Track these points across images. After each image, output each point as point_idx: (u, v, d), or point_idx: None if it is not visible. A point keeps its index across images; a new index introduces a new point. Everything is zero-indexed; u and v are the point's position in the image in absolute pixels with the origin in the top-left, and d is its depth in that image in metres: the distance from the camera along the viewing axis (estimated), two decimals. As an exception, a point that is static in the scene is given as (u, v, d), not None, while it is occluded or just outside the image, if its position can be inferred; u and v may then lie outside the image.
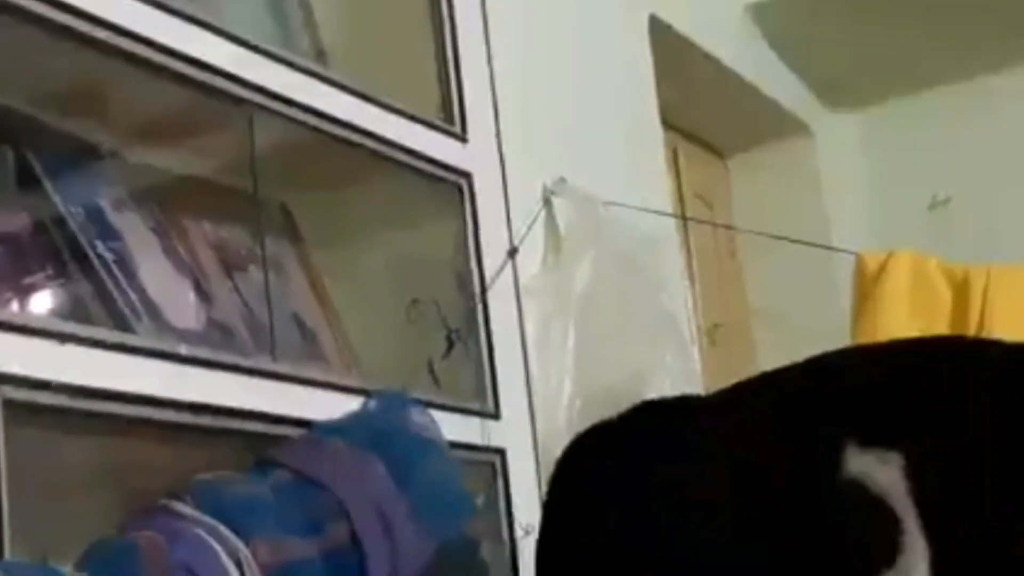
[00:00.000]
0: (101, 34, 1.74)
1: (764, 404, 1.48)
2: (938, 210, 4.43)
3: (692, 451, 1.47)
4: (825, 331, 3.52)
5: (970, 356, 1.41)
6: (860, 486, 1.30)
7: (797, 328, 3.98)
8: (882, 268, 3.28)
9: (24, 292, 1.76)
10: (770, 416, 1.44)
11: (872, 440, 1.31)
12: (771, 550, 1.35)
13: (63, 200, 1.84)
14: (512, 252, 2.40)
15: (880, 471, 1.29)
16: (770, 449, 1.40)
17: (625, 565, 1.45)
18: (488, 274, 2.33)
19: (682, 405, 1.58)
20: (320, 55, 2.37)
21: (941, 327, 3.12)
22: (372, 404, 1.95)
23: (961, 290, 3.28)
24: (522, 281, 2.42)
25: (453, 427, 2.07)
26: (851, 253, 3.40)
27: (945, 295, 3.29)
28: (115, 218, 1.93)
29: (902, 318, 3.19)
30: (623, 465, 1.51)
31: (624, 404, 1.67)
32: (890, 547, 1.28)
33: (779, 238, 3.50)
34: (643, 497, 1.46)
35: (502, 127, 2.46)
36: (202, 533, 1.63)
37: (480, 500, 2.14)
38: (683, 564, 1.41)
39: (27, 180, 1.82)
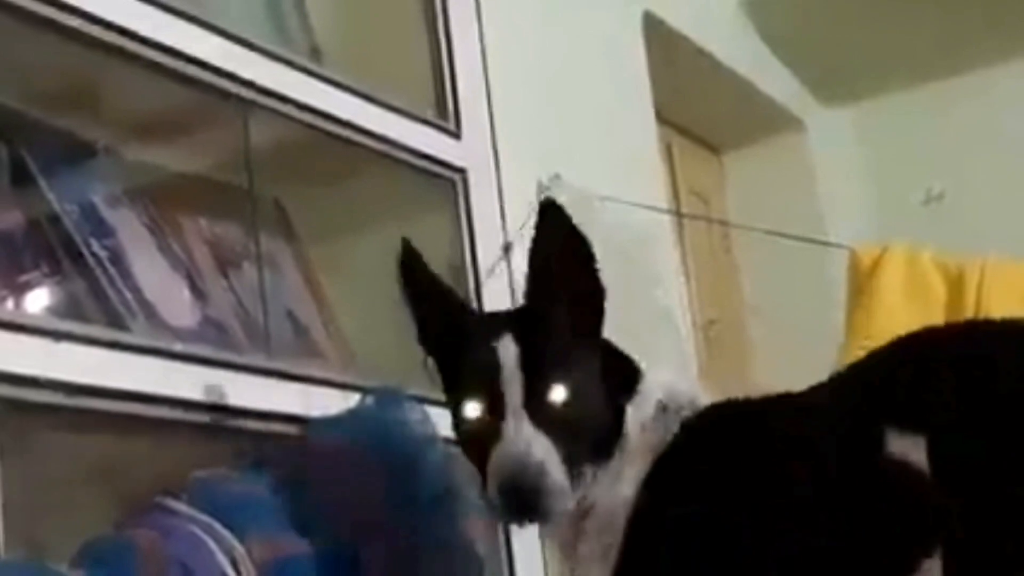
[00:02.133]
0: (96, 31, 1.74)
1: (828, 396, 1.50)
2: (932, 204, 4.43)
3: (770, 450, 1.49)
4: (820, 326, 3.53)
5: (992, 340, 1.43)
6: (903, 464, 1.33)
7: (792, 323, 3.99)
8: (876, 262, 3.28)
9: (19, 290, 1.76)
10: (831, 407, 1.47)
11: (906, 424, 1.35)
12: (836, 530, 1.38)
13: (57, 197, 1.84)
14: (507, 248, 2.40)
15: (914, 454, 1.33)
16: (827, 437, 1.42)
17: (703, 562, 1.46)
18: (483, 270, 2.33)
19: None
20: (315, 52, 2.37)
21: (936, 321, 3.12)
22: (367, 401, 1.95)
23: (955, 284, 3.28)
24: (517, 276, 2.42)
25: (447, 422, 2.07)
26: (846, 248, 3.40)
27: (939, 289, 3.29)
28: (109, 215, 1.93)
29: (897, 312, 3.19)
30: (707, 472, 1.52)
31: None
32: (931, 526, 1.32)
33: (774, 233, 3.50)
34: (721, 496, 1.48)
35: (496, 123, 2.46)
36: (197, 530, 1.63)
37: (475, 496, 2.14)
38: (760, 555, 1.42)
39: (21, 178, 1.82)
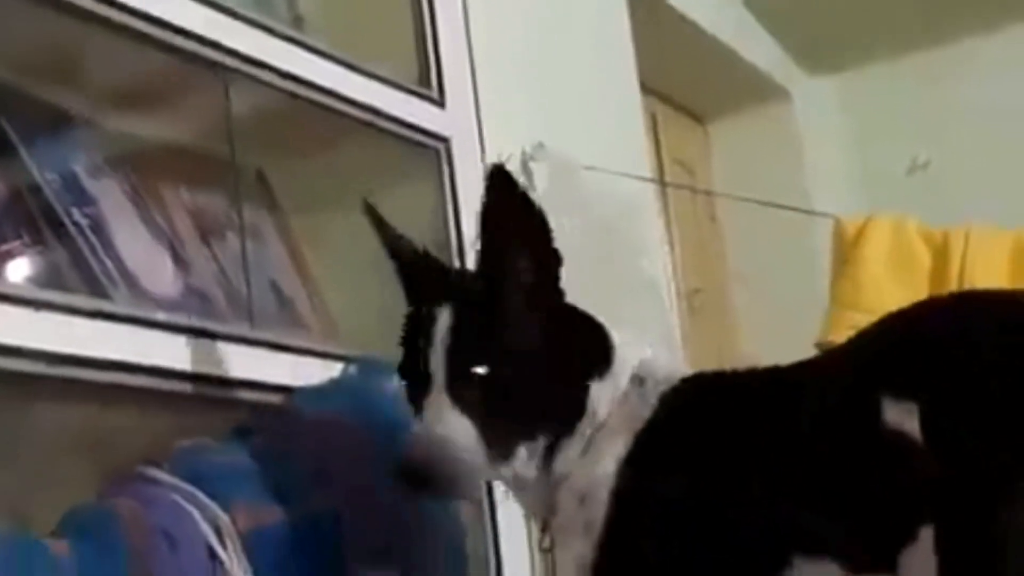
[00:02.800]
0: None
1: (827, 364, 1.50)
2: (917, 173, 4.44)
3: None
4: (804, 294, 3.53)
5: (985, 310, 1.43)
6: (900, 433, 1.33)
7: (777, 291, 4.00)
8: (861, 232, 3.28)
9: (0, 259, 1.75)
10: (823, 379, 1.47)
11: (901, 393, 1.35)
12: (844, 491, 1.38)
13: (38, 167, 1.84)
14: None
15: (908, 422, 1.33)
16: (820, 408, 1.42)
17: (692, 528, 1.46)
18: (467, 239, 2.32)
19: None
20: (297, 20, 2.36)
21: (920, 290, 3.13)
22: (350, 371, 1.95)
23: (940, 253, 3.29)
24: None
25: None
26: (830, 217, 3.40)
27: (924, 258, 3.29)
28: (91, 185, 1.92)
29: (881, 281, 3.20)
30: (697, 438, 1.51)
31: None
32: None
33: (759, 203, 3.50)
34: (713, 463, 1.47)
35: (480, 92, 2.45)
36: (180, 499, 1.63)
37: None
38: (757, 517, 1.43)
39: (2, 147, 1.81)
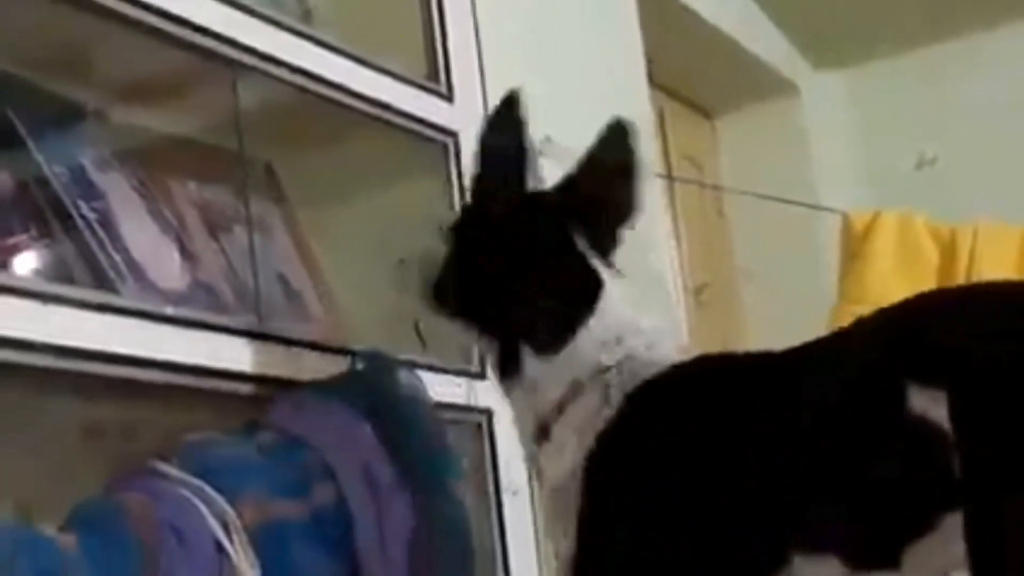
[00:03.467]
0: (86, -8, 1.72)
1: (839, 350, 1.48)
2: (925, 169, 4.43)
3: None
4: (812, 290, 3.53)
5: (1016, 298, 1.41)
6: (925, 421, 1.30)
7: (784, 287, 3.99)
8: (869, 227, 3.28)
9: (7, 253, 1.75)
10: (840, 361, 1.44)
11: (927, 380, 1.32)
12: (854, 481, 1.36)
13: (46, 160, 1.83)
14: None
15: (934, 410, 1.30)
16: (840, 388, 1.39)
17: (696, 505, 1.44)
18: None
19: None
20: (306, 14, 2.35)
21: (928, 285, 3.12)
22: (358, 365, 1.94)
23: (948, 248, 3.29)
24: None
25: (439, 387, 2.07)
26: (838, 212, 3.40)
27: (932, 253, 3.30)
28: (99, 178, 1.91)
29: (889, 276, 3.20)
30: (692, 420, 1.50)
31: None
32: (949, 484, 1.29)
33: (766, 197, 3.50)
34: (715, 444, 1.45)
35: (488, 86, 2.44)
36: (187, 494, 1.63)
37: (466, 460, 2.14)
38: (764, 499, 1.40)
39: (10, 140, 1.81)
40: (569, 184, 1.68)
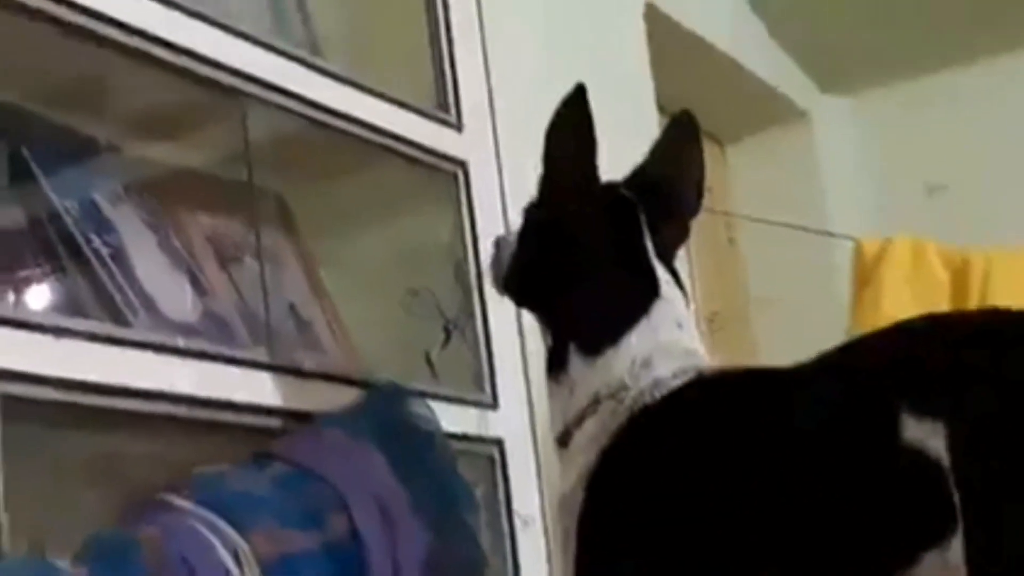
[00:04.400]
0: (96, 26, 1.73)
1: (830, 373, 1.46)
2: (936, 194, 4.42)
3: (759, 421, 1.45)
4: (825, 317, 3.53)
5: (1009, 328, 1.38)
6: (920, 453, 1.28)
7: (796, 314, 3.98)
8: (881, 254, 3.28)
9: (19, 286, 1.75)
10: (834, 384, 1.42)
11: (923, 410, 1.29)
12: (839, 512, 1.34)
13: (58, 194, 1.84)
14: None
15: (932, 441, 1.27)
16: (832, 416, 1.38)
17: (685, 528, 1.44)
18: (485, 263, 2.32)
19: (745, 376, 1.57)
20: (315, 45, 2.36)
21: (941, 310, 3.12)
22: (370, 395, 1.94)
23: (960, 275, 3.28)
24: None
25: (451, 417, 2.07)
26: (850, 239, 3.40)
27: (944, 280, 3.29)
28: (110, 212, 1.92)
29: (902, 303, 3.19)
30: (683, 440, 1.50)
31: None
32: (946, 516, 1.27)
33: (777, 224, 3.50)
34: (703, 466, 1.45)
35: (497, 115, 2.45)
36: (199, 527, 1.63)
37: (479, 491, 2.14)
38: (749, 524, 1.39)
39: (21, 174, 1.81)
40: (638, 176, 1.70)
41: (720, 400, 1.51)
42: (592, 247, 1.64)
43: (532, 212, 1.71)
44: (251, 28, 2.00)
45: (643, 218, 1.66)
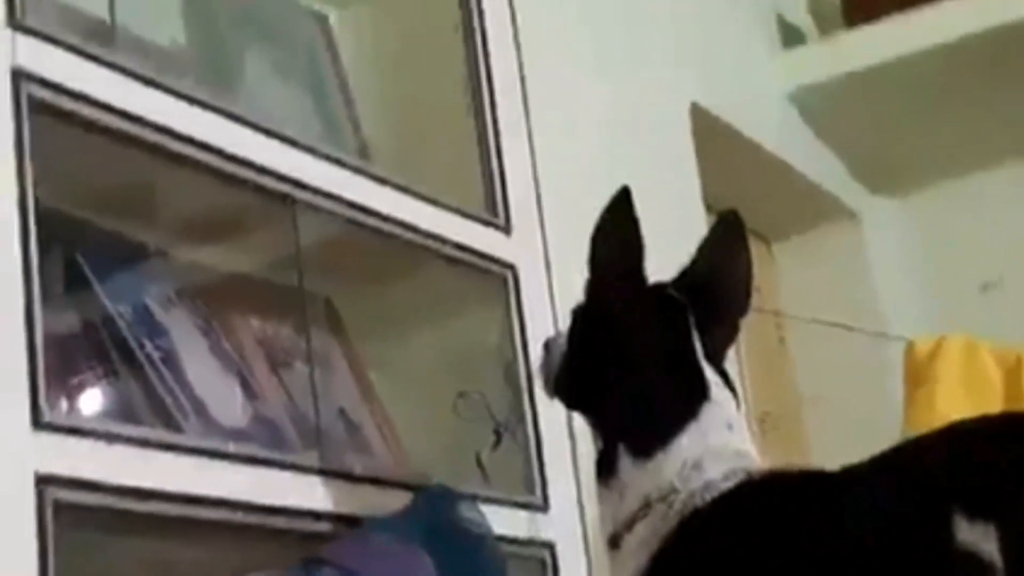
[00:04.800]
0: (146, 134, 1.75)
1: (886, 475, 1.44)
2: (989, 292, 4.39)
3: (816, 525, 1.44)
4: (877, 417, 3.49)
5: None
6: (974, 556, 1.27)
7: (849, 414, 3.95)
8: (934, 353, 3.25)
9: (72, 392, 1.76)
10: (891, 487, 1.41)
11: (976, 513, 1.28)
12: None
13: (111, 300, 1.85)
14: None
15: (985, 544, 1.26)
16: (884, 518, 1.36)
17: None
18: (535, 365, 2.32)
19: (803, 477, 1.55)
20: (363, 149, 2.38)
21: (994, 411, 3.08)
22: (420, 499, 1.93)
23: (1014, 374, 3.25)
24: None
25: (502, 520, 2.05)
26: (902, 338, 3.37)
27: (997, 379, 3.25)
28: (162, 316, 1.93)
29: (955, 403, 3.15)
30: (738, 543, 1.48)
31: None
32: None
33: (828, 324, 3.48)
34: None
35: (546, 218, 2.46)
36: (252, 632, 1.62)
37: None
38: None
39: (75, 280, 1.83)
40: (686, 276, 1.70)
41: (770, 503, 1.50)
42: (640, 349, 1.64)
43: (580, 315, 1.71)
44: (300, 134, 2.02)
45: (691, 319, 1.65)
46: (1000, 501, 1.28)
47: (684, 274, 1.72)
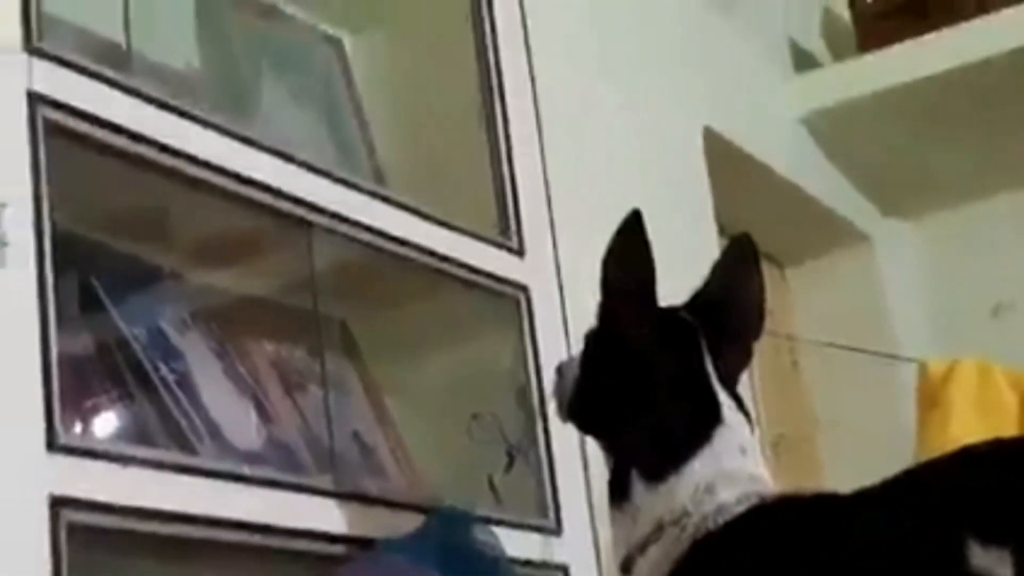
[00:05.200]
0: (161, 158, 1.76)
1: (899, 499, 1.44)
2: (1002, 315, 4.38)
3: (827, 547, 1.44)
4: (890, 440, 3.49)
5: None
6: None
7: (862, 437, 3.94)
8: (947, 376, 3.25)
9: (87, 414, 1.77)
10: (896, 511, 1.41)
11: (991, 538, 1.28)
12: None
13: (126, 322, 1.86)
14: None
15: (1001, 570, 1.26)
16: (897, 543, 1.36)
17: None
18: (548, 389, 2.32)
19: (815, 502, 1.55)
20: (378, 173, 2.39)
21: (1008, 434, 3.08)
22: (434, 521, 1.93)
23: (1028, 396, 3.24)
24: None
25: (515, 543, 2.05)
26: (915, 361, 3.37)
27: (1012, 402, 3.25)
28: (177, 339, 1.94)
29: (969, 426, 3.15)
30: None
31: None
32: None
33: (841, 347, 3.48)
34: None
35: (559, 240, 2.46)
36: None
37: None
38: None
39: (90, 303, 1.84)
40: (698, 299, 1.70)
41: (782, 526, 1.50)
42: (653, 373, 1.63)
43: (592, 339, 1.71)
44: (315, 158, 2.03)
45: (704, 343, 1.65)
46: (1015, 526, 1.28)
47: (696, 297, 1.72)
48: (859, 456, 3.88)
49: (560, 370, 1.77)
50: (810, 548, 1.43)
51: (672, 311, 1.69)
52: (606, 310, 1.66)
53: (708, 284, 1.73)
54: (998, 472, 1.35)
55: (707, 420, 1.60)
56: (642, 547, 1.57)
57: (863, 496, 1.44)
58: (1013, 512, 1.29)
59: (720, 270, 1.74)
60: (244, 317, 2.09)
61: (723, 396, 1.62)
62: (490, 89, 2.42)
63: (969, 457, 1.41)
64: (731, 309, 1.69)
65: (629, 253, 1.62)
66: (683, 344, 1.65)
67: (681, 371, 1.64)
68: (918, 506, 1.38)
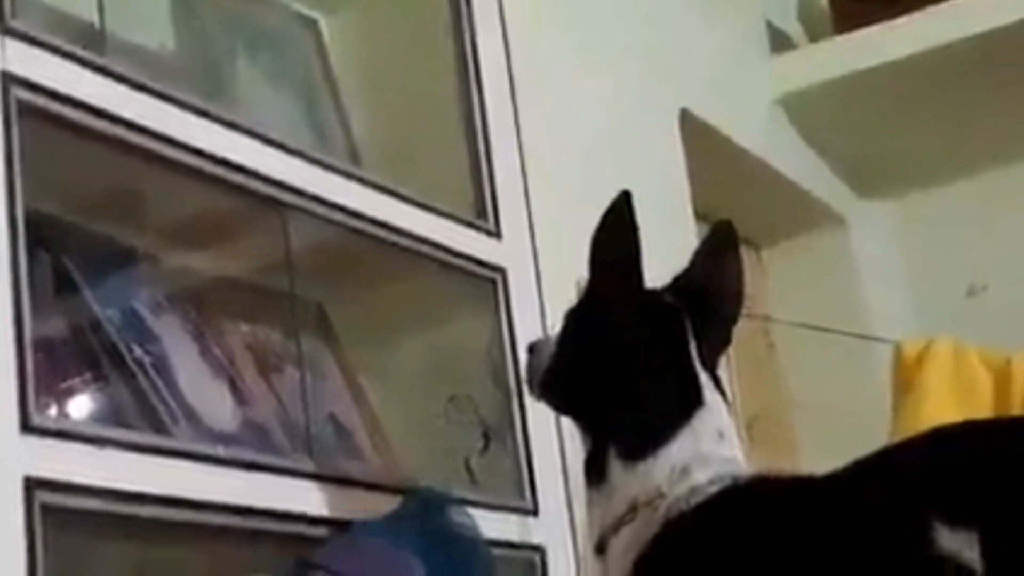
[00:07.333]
0: (135, 139, 1.75)
1: (864, 481, 1.45)
2: (976, 297, 4.40)
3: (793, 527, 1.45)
4: (865, 421, 3.49)
5: None
6: (955, 564, 1.27)
7: (837, 418, 3.95)
8: (921, 356, 3.26)
9: (62, 396, 1.76)
10: (863, 493, 1.41)
11: (958, 520, 1.28)
12: None
13: (100, 304, 1.85)
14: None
15: (968, 552, 1.26)
16: (865, 524, 1.37)
17: None
18: (524, 369, 2.32)
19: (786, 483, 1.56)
20: (354, 154, 2.38)
21: (983, 415, 3.09)
22: (411, 503, 1.94)
23: (1002, 377, 3.25)
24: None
25: (491, 525, 2.05)
26: (890, 342, 3.38)
27: (986, 383, 3.26)
28: (152, 321, 1.93)
29: (943, 406, 3.16)
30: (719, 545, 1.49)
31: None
32: None
33: (816, 328, 3.48)
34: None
35: (535, 222, 2.46)
36: (241, 636, 1.62)
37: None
38: None
39: (64, 285, 1.83)
40: (681, 283, 1.70)
41: (753, 507, 1.51)
42: (636, 353, 1.64)
43: (574, 317, 1.71)
44: (290, 138, 2.02)
45: (688, 324, 1.66)
46: (983, 509, 1.28)
47: (678, 281, 1.72)
48: (834, 437, 3.89)
49: (532, 348, 1.77)
50: (780, 529, 1.44)
51: (657, 293, 1.70)
52: (593, 287, 1.66)
53: (690, 269, 1.73)
54: (968, 454, 1.35)
55: (689, 402, 1.60)
56: (615, 527, 1.57)
57: (833, 478, 1.45)
58: (981, 494, 1.30)
59: (702, 256, 1.74)
60: (219, 299, 2.08)
61: (704, 377, 1.63)
62: (466, 70, 2.42)
63: (940, 438, 1.42)
64: (712, 294, 1.70)
65: (618, 233, 1.62)
66: (668, 326, 1.65)
67: (663, 351, 1.64)
68: (886, 487, 1.38)
